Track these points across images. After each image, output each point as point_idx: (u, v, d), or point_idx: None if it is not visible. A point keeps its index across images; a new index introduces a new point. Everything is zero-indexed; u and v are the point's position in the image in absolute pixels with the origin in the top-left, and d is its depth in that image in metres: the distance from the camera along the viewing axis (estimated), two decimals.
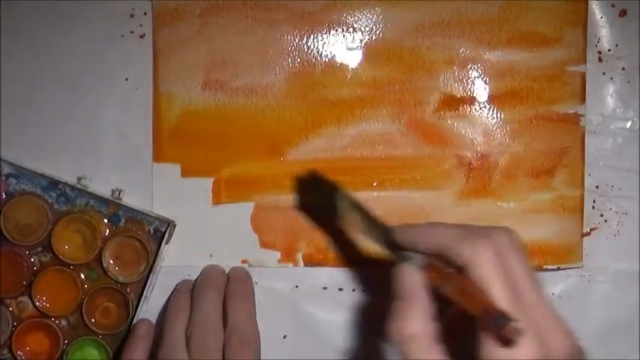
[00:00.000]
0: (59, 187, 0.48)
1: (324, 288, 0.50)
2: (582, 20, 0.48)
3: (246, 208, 0.49)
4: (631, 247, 0.49)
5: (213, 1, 0.49)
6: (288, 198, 0.49)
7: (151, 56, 0.49)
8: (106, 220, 0.49)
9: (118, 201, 0.48)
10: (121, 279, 0.48)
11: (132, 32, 0.49)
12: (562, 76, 0.48)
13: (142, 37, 0.49)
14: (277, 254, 0.49)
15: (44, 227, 0.48)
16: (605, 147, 0.49)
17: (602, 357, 0.49)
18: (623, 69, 0.49)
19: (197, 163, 0.49)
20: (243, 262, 0.50)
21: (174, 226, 0.48)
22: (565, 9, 0.48)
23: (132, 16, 0.49)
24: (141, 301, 0.48)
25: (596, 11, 0.49)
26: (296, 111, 0.49)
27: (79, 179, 0.48)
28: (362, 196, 0.48)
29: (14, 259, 0.48)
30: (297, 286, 0.50)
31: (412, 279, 0.34)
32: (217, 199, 0.49)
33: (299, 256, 0.49)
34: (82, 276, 0.48)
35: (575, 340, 0.32)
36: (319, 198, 0.47)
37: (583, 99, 0.48)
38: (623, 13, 0.49)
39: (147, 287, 0.48)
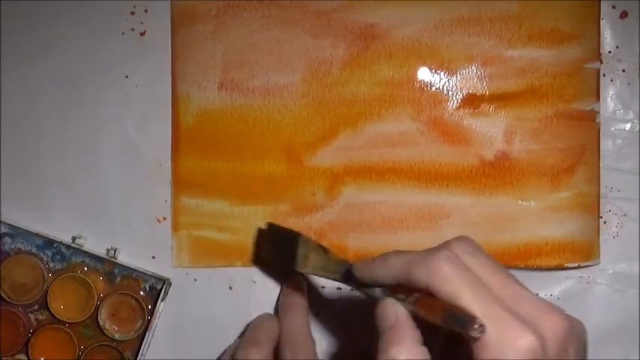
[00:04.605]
0: (54, 245, 0.49)
1: (323, 287, 0.50)
2: (596, 17, 0.48)
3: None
4: (630, 249, 0.49)
5: (229, 1, 0.48)
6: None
7: (151, 54, 0.49)
8: (101, 279, 0.49)
9: (113, 259, 0.48)
10: (117, 336, 0.49)
11: (132, 30, 0.49)
12: (580, 73, 0.48)
13: (142, 34, 0.49)
14: None
15: (40, 286, 0.48)
16: (604, 149, 0.49)
17: (602, 358, 0.49)
18: (623, 71, 0.49)
19: (213, 164, 0.49)
20: None
21: (170, 284, 0.49)
22: (581, 5, 0.48)
23: (132, 13, 0.49)
24: (137, 359, 0.48)
25: None
26: (313, 110, 0.48)
27: (74, 238, 0.49)
28: (380, 196, 0.48)
29: (11, 317, 0.49)
30: None
31: (394, 309, 0.35)
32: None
33: None
34: (79, 334, 0.49)
35: (565, 316, 0.32)
36: (280, 248, 0.46)
37: (598, 96, 0.48)
38: (623, 14, 0.49)
39: (143, 344, 0.48)
